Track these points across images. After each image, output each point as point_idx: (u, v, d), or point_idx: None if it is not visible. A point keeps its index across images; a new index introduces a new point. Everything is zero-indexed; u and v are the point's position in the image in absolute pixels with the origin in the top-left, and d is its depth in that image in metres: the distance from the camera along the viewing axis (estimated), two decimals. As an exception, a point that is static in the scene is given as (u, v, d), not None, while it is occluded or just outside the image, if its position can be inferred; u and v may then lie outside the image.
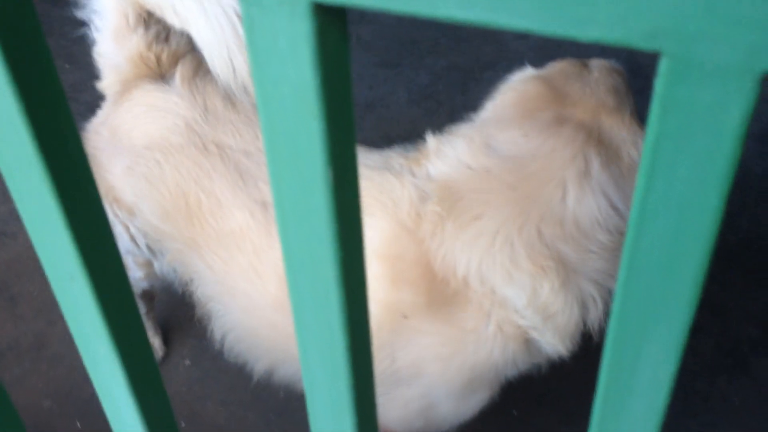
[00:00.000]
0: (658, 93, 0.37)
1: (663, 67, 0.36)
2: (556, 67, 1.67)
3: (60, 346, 2.43)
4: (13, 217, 2.81)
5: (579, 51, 3.43)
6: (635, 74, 3.30)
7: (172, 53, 1.80)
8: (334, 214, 0.48)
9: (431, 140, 1.59)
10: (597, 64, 1.67)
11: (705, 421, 2.23)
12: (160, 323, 2.49)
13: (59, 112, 0.53)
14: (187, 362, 2.41)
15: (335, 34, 0.42)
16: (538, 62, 1.76)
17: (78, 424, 2.27)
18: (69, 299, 0.61)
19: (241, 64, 1.67)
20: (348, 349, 0.55)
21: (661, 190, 0.40)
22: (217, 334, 1.82)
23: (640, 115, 3.07)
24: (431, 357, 1.53)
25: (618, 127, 1.52)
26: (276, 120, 0.45)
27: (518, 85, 1.63)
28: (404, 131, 3.12)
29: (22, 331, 2.47)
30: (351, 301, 0.54)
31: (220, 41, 1.61)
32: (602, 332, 1.55)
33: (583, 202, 1.43)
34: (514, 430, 2.25)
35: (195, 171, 1.69)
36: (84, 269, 0.57)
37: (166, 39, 1.80)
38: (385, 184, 1.54)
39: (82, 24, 1.86)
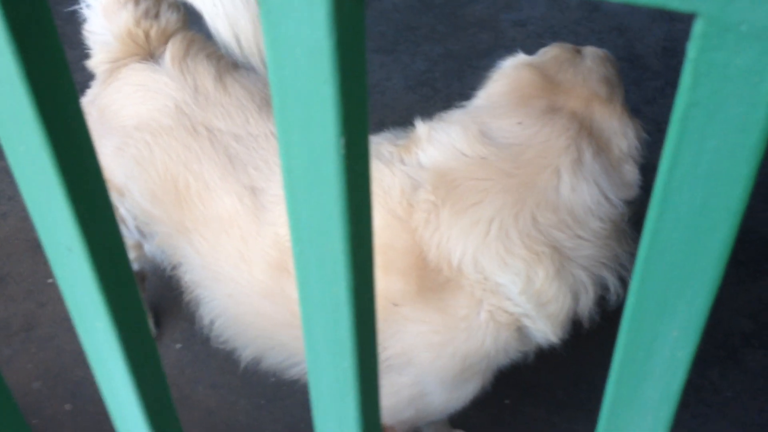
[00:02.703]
0: (691, 58, 0.36)
1: (697, 29, 0.35)
2: (549, 54, 1.65)
3: (50, 328, 2.41)
4: (4, 197, 2.78)
5: (577, 40, 3.42)
6: (633, 64, 3.29)
7: (161, 31, 1.77)
8: (345, 184, 0.46)
9: (421, 126, 1.57)
10: (590, 51, 1.66)
11: (697, 413, 2.23)
12: (152, 306, 2.47)
13: (60, 78, 0.51)
14: (179, 345, 2.39)
15: (352, -7, 0.41)
16: (534, 50, 1.74)
17: (67, 406, 2.25)
18: (66, 271, 0.59)
19: (247, 24, 1.65)
20: (353, 322, 0.53)
21: (688, 162, 0.39)
22: (205, 320, 1.80)
23: (635, 105, 3.06)
24: (422, 345, 1.52)
25: (610, 117, 1.52)
26: (288, 84, 0.43)
27: (511, 72, 1.62)
28: (400, 117, 3.10)
29: (12, 312, 2.45)
30: (358, 276, 0.52)
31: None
32: (591, 320, 1.55)
33: (577, 190, 1.44)
34: (506, 418, 2.25)
35: (184, 154, 1.66)
36: (82, 240, 0.56)
37: (156, 16, 1.77)
38: (374, 172, 1.52)
39: (74, 1, 1.84)
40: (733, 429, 2.21)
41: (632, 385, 0.50)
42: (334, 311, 0.55)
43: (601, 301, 1.55)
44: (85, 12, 1.81)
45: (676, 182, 0.40)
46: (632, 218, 1.53)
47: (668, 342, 0.46)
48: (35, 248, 2.61)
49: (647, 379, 0.48)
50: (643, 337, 0.46)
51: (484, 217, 1.44)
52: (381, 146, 1.59)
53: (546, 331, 1.52)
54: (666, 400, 0.49)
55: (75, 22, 1.86)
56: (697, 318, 0.44)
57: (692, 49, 0.36)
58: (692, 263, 0.42)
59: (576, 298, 1.50)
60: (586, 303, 1.51)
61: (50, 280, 2.52)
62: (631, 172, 1.50)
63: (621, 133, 1.51)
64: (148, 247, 1.97)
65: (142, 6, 1.76)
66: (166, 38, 1.79)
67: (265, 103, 1.73)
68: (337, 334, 0.55)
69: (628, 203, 1.51)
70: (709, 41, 0.35)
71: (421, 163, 1.52)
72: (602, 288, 1.54)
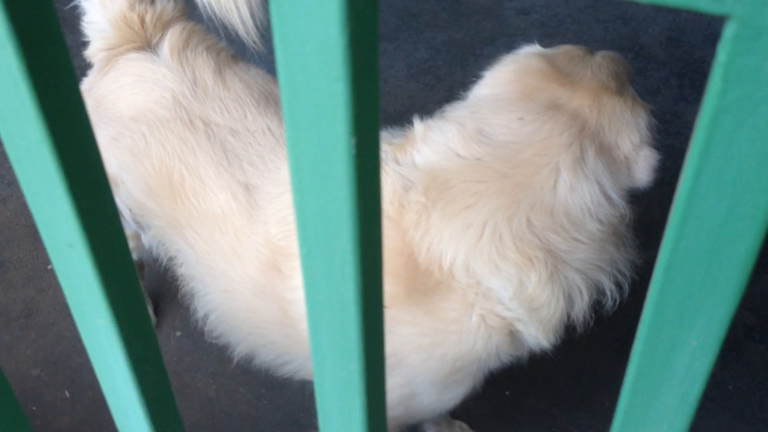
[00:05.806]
0: (721, 62, 0.34)
1: (728, 32, 0.33)
2: (561, 48, 1.63)
3: (49, 314, 2.40)
4: (3, 182, 2.76)
5: (581, 29, 3.40)
6: (637, 54, 3.27)
7: (157, 17, 1.74)
8: (355, 185, 0.45)
9: (418, 125, 1.54)
10: (602, 53, 1.63)
11: (697, 406, 2.22)
12: (151, 294, 2.46)
13: (62, 73, 0.50)
14: (178, 333, 2.39)
15: (366, -11, 0.39)
16: (538, 39, 1.72)
17: (66, 393, 2.24)
18: (67, 268, 0.58)
19: None
20: (361, 323, 0.52)
21: (715, 168, 0.37)
22: (199, 313, 1.79)
23: (639, 96, 3.04)
24: (412, 347, 1.50)
25: (621, 109, 1.48)
26: (297, 81, 0.42)
27: (520, 59, 1.59)
28: (402, 106, 3.08)
29: (11, 299, 2.44)
30: (367, 276, 0.51)
31: None
32: (586, 325, 1.53)
33: (576, 189, 1.40)
34: (507, 410, 2.24)
35: (180, 147, 1.64)
36: (83, 236, 0.54)
37: (152, 1, 1.75)
38: None
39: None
40: (735, 423, 2.20)
41: (648, 393, 0.48)
42: (341, 312, 0.53)
43: (597, 305, 1.54)
44: (84, 4, 1.79)
45: (701, 189, 0.38)
46: (632, 223, 1.50)
47: (686, 351, 0.44)
48: (35, 234, 2.59)
49: (664, 387, 0.47)
50: (661, 345, 0.45)
51: (477, 220, 1.41)
52: None
53: (538, 336, 1.50)
54: (682, 409, 0.48)
55: (77, 8, 1.84)
56: (717, 328, 0.43)
57: (722, 53, 0.34)
58: (715, 272, 0.40)
59: (570, 302, 1.47)
60: (581, 307, 1.49)
61: (50, 267, 2.51)
62: (649, 158, 1.46)
63: (633, 124, 1.48)
64: (145, 238, 1.95)
65: None
66: (162, 26, 1.76)
67: (263, 99, 1.71)
68: (344, 335, 0.54)
69: (632, 203, 1.48)
70: (740, 45, 0.33)
71: (415, 163, 1.49)
72: (598, 292, 1.51)
